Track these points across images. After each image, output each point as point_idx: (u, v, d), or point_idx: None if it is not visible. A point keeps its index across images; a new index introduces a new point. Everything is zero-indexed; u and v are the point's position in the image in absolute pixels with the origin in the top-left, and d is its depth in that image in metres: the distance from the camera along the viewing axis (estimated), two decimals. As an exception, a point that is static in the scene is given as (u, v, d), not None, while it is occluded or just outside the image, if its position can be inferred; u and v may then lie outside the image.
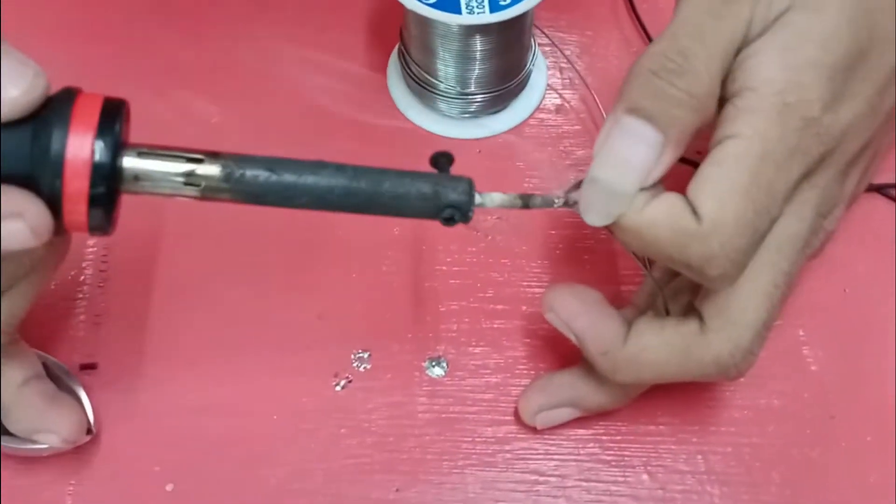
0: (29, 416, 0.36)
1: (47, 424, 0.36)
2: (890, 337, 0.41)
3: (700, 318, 0.34)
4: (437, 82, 0.47)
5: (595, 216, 0.32)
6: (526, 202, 0.33)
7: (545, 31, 0.50)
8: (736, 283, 0.33)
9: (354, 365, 0.41)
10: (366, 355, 0.41)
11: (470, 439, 0.39)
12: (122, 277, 0.43)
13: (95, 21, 0.51)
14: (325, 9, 0.52)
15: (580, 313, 0.36)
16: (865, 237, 0.44)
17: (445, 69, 0.46)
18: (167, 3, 0.52)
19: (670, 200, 0.31)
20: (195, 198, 0.31)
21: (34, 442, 0.36)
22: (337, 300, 0.42)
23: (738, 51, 0.32)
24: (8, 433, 0.36)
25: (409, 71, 0.48)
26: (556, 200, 0.33)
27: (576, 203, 0.33)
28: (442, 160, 0.34)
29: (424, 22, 0.43)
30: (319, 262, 0.43)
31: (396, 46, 0.49)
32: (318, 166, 0.31)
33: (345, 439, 0.39)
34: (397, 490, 0.38)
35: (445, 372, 0.41)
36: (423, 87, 0.47)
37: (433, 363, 0.41)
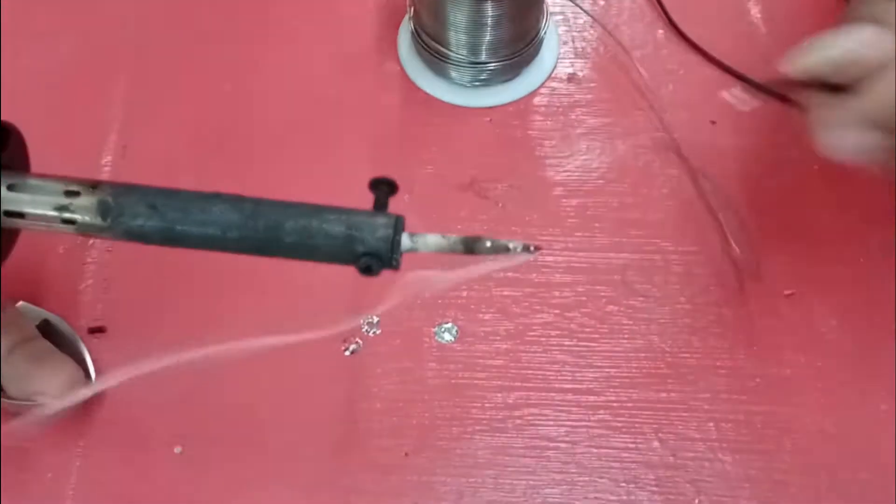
0: (20, 380, 0.36)
1: (38, 385, 0.35)
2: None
3: None
4: (448, 51, 0.46)
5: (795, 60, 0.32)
6: (470, 247, 0.28)
7: None
8: None
9: (364, 330, 0.41)
10: (375, 320, 0.41)
11: (479, 405, 0.39)
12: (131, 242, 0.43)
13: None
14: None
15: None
16: (877, 213, 0.43)
17: (457, 36, 0.45)
18: None
19: None
20: (79, 234, 0.29)
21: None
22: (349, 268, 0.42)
23: None
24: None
25: (419, 39, 0.47)
26: (511, 246, 0.28)
27: (537, 249, 0.28)
28: (382, 188, 0.29)
29: (436, -14, 0.43)
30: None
31: (406, 14, 0.48)
32: (210, 201, 0.28)
33: (353, 404, 0.39)
34: (406, 455, 0.38)
35: (455, 338, 0.41)
36: (433, 56, 0.47)
37: (443, 329, 0.41)
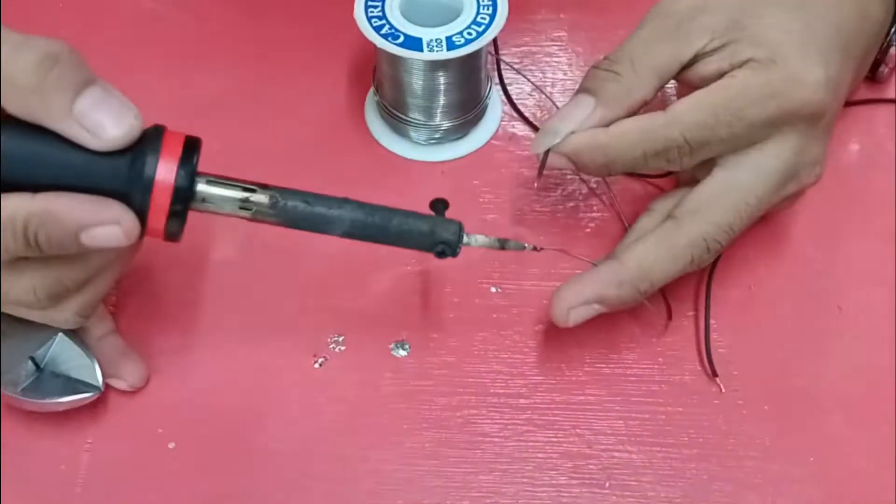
0: (104, 364, 0.44)
1: (118, 372, 0.45)
2: (789, 331, 0.49)
3: (675, 218, 0.44)
4: (406, 115, 0.55)
5: (535, 145, 0.45)
6: (502, 245, 0.43)
7: (511, 65, 0.59)
8: (709, 196, 0.44)
9: (331, 347, 0.48)
10: (341, 339, 0.48)
11: (427, 407, 0.46)
12: (133, 274, 0.50)
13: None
14: (311, 53, 0.60)
15: (582, 289, 0.44)
16: (768, 240, 0.52)
17: (414, 102, 0.54)
18: (148, 40, 0.61)
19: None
20: (247, 219, 0.40)
21: (53, 398, 0.43)
22: (316, 294, 0.50)
23: (684, 67, 0.44)
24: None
25: (383, 106, 0.56)
26: (526, 245, 0.44)
27: (542, 249, 0.45)
28: (439, 205, 0.43)
29: (394, 60, 0.52)
30: (299, 262, 0.51)
31: (371, 87, 0.57)
32: (343, 202, 0.41)
33: (322, 408, 0.46)
34: (364, 449, 0.45)
35: (408, 353, 0.48)
36: (394, 119, 0.56)
37: (398, 346, 0.48)
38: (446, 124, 0.55)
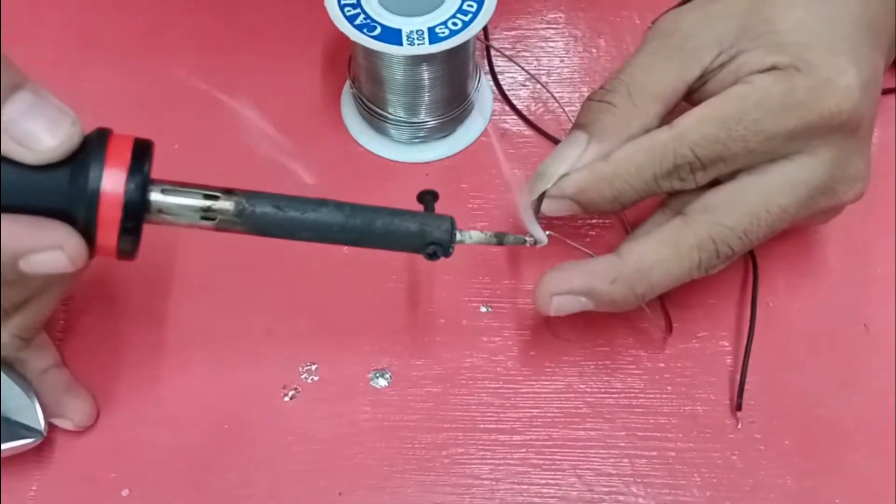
0: (47, 401, 0.40)
1: (63, 411, 0.40)
2: (811, 353, 0.44)
3: (684, 215, 0.39)
4: (386, 112, 0.49)
5: (525, 195, 0.41)
6: (500, 240, 0.40)
7: (504, 53, 0.53)
8: (726, 196, 0.39)
9: (303, 377, 0.43)
10: (313, 368, 0.44)
11: (410, 445, 0.42)
12: (84, 295, 0.45)
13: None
14: (281, 40, 0.54)
15: (571, 277, 0.40)
16: (787, 251, 0.47)
17: (394, 98, 0.49)
18: (101, 28, 0.55)
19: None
20: (211, 229, 0.35)
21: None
22: (286, 316, 0.45)
23: (691, 89, 0.40)
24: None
25: (360, 101, 0.50)
26: (527, 239, 0.41)
27: (546, 238, 0.41)
28: (428, 198, 0.40)
29: (371, 53, 0.46)
30: (268, 279, 0.46)
31: (347, 79, 0.52)
32: (319, 204, 0.36)
33: (291, 447, 0.42)
34: (340, 494, 0.40)
35: (389, 383, 0.43)
36: (373, 116, 0.50)
37: (378, 374, 0.43)
38: (431, 122, 0.50)
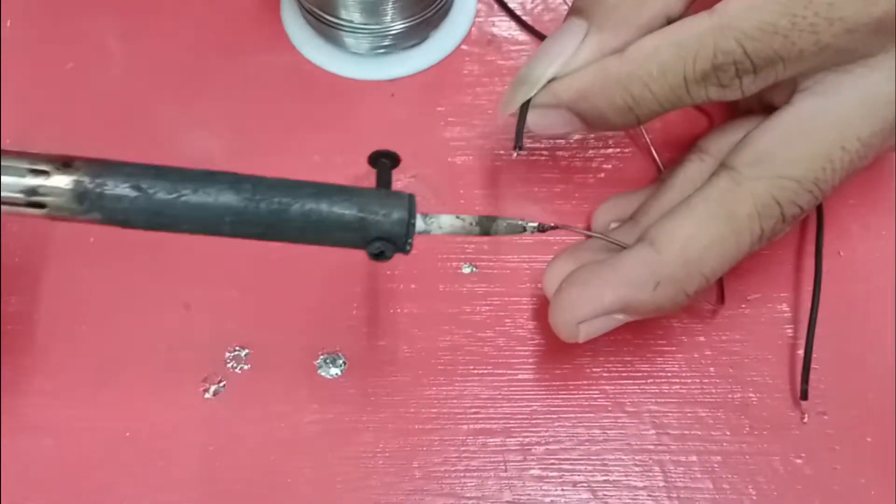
0: None
1: None
2: (892, 317, 0.33)
3: (731, 170, 0.29)
4: (338, 15, 0.38)
5: (504, 103, 0.31)
6: (486, 228, 0.27)
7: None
8: (785, 136, 0.29)
9: (229, 366, 0.33)
10: (243, 353, 0.33)
11: (370, 455, 0.32)
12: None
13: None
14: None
15: (599, 293, 0.28)
16: (860, 188, 0.36)
17: (348, -6, 0.37)
18: None
19: None
20: (44, 218, 0.25)
21: None
22: (208, 286, 0.34)
23: None
24: None
25: (303, 2, 0.39)
26: (528, 226, 0.28)
27: (554, 227, 0.28)
28: (382, 163, 0.29)
29: (309, -67, 0.35)
30: (186, 239, 0.35)
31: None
32: (206, 180, 0.25)
33: (214, 460, 0.31)
34: (277, 522, 0.31)
35: (343, 371, 0.33)
36: (322, 22, 0.39)
37: (328, 361, 0.33)
38: (397, 26, 0.38)
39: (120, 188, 0.24)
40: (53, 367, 0.33)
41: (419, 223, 0.26)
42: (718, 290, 0.34)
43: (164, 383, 0.33)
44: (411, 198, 0.26)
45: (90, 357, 0.33)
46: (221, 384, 0.33)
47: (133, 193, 0.24)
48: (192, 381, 0.33)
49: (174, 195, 0.24)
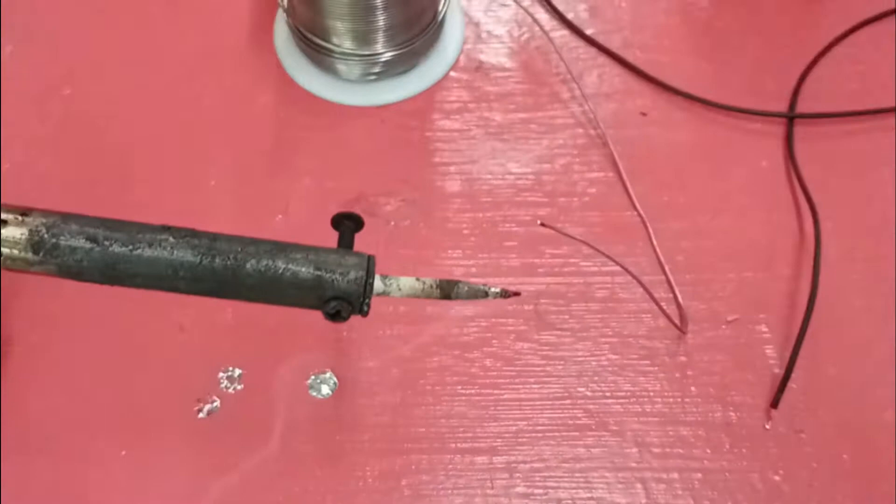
0: None
1: None
2: (873, 338, 0.34)
3: None
4: (329, 42, 0.39)
5: None
6: (447, 292, 0.26)
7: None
8: None
9: (223, 386, 0.34)
10: (236, 374, 0.34)
11: (360, 473, 0.32)
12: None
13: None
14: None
15: None
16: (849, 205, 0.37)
17: (340, 24, 0.38)
18: None
19: None
20: (6, 269, 0.25)
21: None
22: (202, 308, 0.35)
23: None
24: None
25: (297, 30, 0.40)
26: (490, 292, 0.27)
27: (517, 294, 0.27)
28: (346, 225, 0.28)
29: (301, -35, 0.36)
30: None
31: (279, 5, 0.41)
32: (161, 235, 0.25)
33: (206, 480, 0.32)
34: (269, 540, 0.31)
35: (333, 391, 0.34)
36: (314, 49, 0.40)
37: (319, 381, 0.34)
38: (387, 54, 0.39)
39: (75, 239, 0.24)
40: (50, 388, 0.33)
41: (377, 284, 0.26)
42: (681, 315, 0.35)
43: (159, 403, 0.33)
44: (370, 258, 0.26)
45: (84, 377, 0.34)
46: (215, 404, 0.33)
47: (88, 245, 0.24)
48: (186, 401, 0.33)
49: (129, 248, 0.24)
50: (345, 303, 0.25)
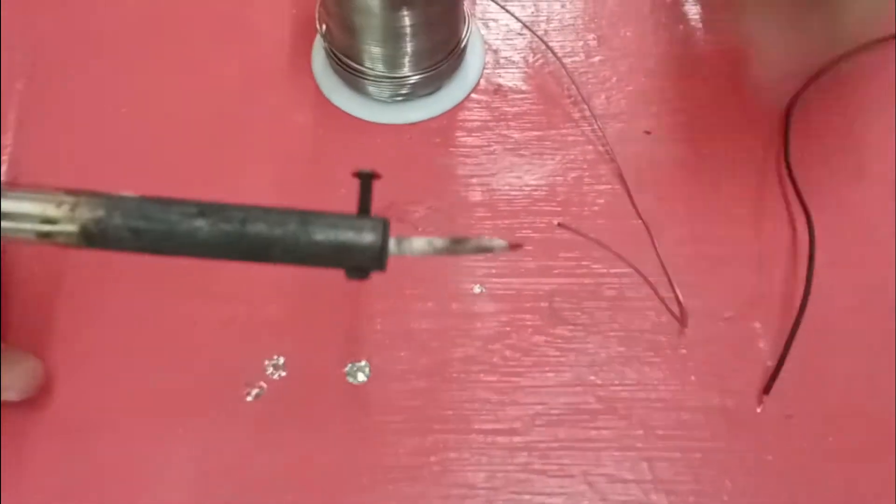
0: None
1: (5, 381, 0.35)
2: (856, 331, 0.38)
3: None
4: (362, 66, 0.43)
5: None
6: (454, 248, 0.29)
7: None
8: None
9: (268, 373, 0.37)
10: (281, 361, 0.38)
11: (393, 451, 0.36)
12: (24, 284, 0.39)
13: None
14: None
15: None
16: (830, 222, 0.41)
17: (372, 49, 0.42)
18: None
19: None
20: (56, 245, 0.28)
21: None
22: (249, 301, 0.39)
23: None
24: None
25: (332, 54, 0.44)
26: (493, 244, 0.29)
27: (519, 246, 0.30)
28: (364, 181, 0.30)
29: (341, -3, 0.40)
30: (228, 262, 0.39)
31: (318, 31, 0.45)
32: (194, 223, 0.27)
33: (256, 456, 0.36)
34: (312, 509, 0.35)
35: (368, 378, 0.37)
36: (348, 71, 0.44)
37: (355, 368, 0.37)
38: (414, 77, 0.43)
39: (121, 231, 0.27)
40: (112, 376, 0.37)
41: (392, 247, 0.29)
42: (682, 311, 0.38)
43: (211, 387, 0.37)
44: (385, 223, 0.29)
45: (143, 366, 0.37)
46: (261, 388, 0.37)
47: (131, 236, 0.27)
48: (236, 386, 0.37)
49: (166, 238, 0.27)
50: (364, 265, 0.28)
